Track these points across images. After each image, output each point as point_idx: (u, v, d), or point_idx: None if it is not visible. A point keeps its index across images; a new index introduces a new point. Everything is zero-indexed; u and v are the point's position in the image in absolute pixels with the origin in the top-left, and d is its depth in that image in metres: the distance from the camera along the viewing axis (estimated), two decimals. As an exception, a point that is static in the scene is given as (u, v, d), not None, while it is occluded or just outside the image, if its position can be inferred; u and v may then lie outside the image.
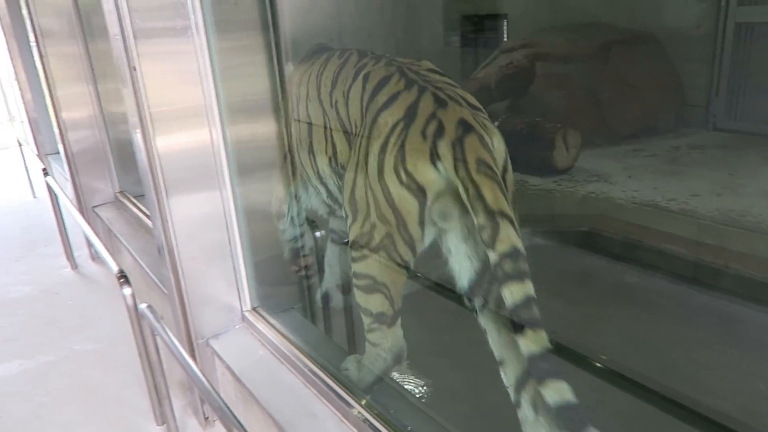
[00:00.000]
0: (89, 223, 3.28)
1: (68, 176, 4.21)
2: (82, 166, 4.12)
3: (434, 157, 1.50)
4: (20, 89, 6.70)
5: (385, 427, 1.68)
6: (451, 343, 2.51)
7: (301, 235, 2.37)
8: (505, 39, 5.09)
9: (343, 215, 1.80)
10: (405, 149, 1.55)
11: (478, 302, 1.63)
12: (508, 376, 1.61)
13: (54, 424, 2.56)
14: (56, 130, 4.09)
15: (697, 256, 2.93)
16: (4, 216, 5.65)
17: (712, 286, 2.76)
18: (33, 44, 3.93)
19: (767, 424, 1.95)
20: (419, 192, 1.54)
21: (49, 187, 4.06)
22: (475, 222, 1.42)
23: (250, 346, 2.27)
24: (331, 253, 2.54)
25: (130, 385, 2.73)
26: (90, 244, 4.25)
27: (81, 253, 4.37)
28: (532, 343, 1.35)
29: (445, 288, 1.80)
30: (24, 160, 6.11)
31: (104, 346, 3.15)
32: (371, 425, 1.70)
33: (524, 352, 1.37)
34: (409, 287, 2.10)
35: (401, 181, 1.56)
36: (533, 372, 1.40)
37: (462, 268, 1.61)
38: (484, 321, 1.64)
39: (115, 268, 2.33)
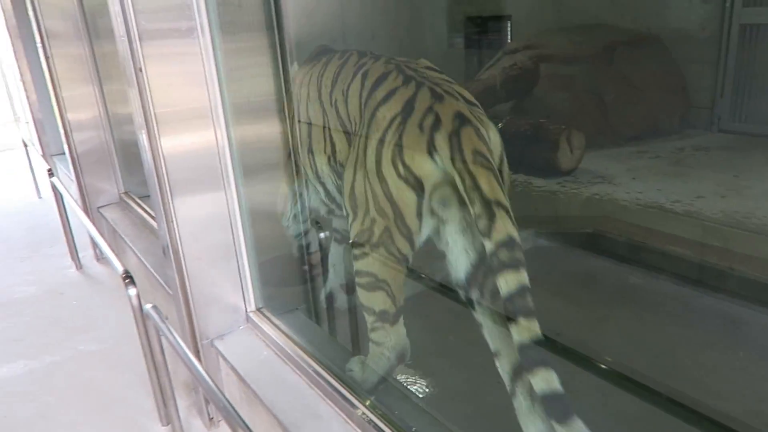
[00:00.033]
0: (94, 224, 3.29)
1: (73, 177, 4.22)
2: (87, 166, 4.14)
3: (431, 149, 1.52)
4: (26, 90, 6.74)
5: (389, 428, 1.68)
6: (456, 343, 2.51)
7: (305, 233, 2.38)
8: (509, 40, 5.09)
9: (344, 214, 1.82)
10: (402, 142, 1.58)
11: (474, 294, 1.65)
12: (503, 367, 1.63)
13: (59, 424, 2.57)
14: (61, 131, 4.11)
15: (701, 258, 2.92)
16: (10, 216, 5.67)
17: (716, 288, 2.75)
18: (39, 45, 3.95)
19: (773, 427, 1.94)
20: (416, 184, 1.57)
21: (54, 188, 4.08)
22: (472, 212, 1.44)
23: (255, 347, 2.27)
24: (335, 253, 2.55)
25: (135, 386, 2.74)
26: (95, 245, 4.26)
27: (86, 254, 4.38)
28: (524, 332, 1.37)
29: (449, 289, 1.81)
30: (29, 161, 6.14)
31: (109, 347, 3.16)
32: (376, 426, 1.70)
33: (515, 341, 1.39)
34: (414, 288, 2.10)
35: (399, 174, 1.58)
36: (523, 361, 1.42)
37: (459, 260, 1.63)
38: (480, 313, 1.66)
39: (120, 269, 2.33)
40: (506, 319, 1.42)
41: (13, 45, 6.50)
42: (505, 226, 1.40)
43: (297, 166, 2.25)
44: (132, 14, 1.86)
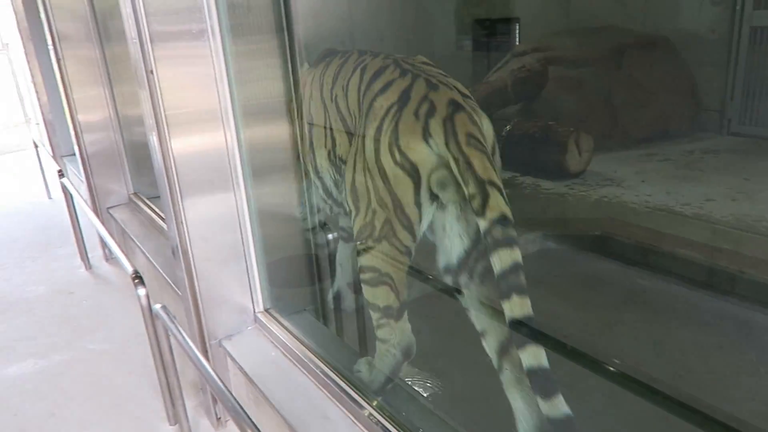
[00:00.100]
0: (104, 224, 3.31)
1: (83, 178, 4.26)
2: (97, 167, 4.17)
3: (426, 135, 1.56)
4: (37, 91, 6.81)
5: (397, 430, 1.68)
6: (463, 345, 2.51)
7: (312, 228, 2.40)
8: (518, 43, 5.08)
9: (347, 211, 1.85)
10: (398, 130, 1.61)
11: (463, 279, 1.68)
12: (490, 344, 1.66)
13: (68, 423, 2.58)
14: (72, 132, 4.14)
15: (711, 261, 2.91)
16: (20, 216, 5.72)
17: (726, 291, 2.73)
18: (50, 47, 3.99)
19: (783, 432, 1.92)
20: (413, 170, 1.60)
21: (64, 189, 4.12)
22: (466, 192, 1.47)
23: (263, 348, 2.28)
24: (342, 252, 2.56)
25: (143, 385, 2.76)
26: (104, 245, 4.29)
27: (95, 254, 4.41)
28: (516, 308, 1.40)
29: (456, 290, 1.81)
30: (40, 162, 6.19)
31: (118, 346, 3.18)
32: (383, 427, 1.70)
33: (507, 317, 1.41)
34: (422, 290, 2.10)
35: (395, 161, 1.61)
36: (514, 337, 1.44)
37: (453, 245, 1.67)
38: (467, 297, 1.69)
39: (129, 269, 2.35)
40: (499, 296, 1.44)
41: (24, 47, 6.57)
42: (498, 205, 1.43)
43: (303, 164, 2.27)
44: (143, 17, 1.87)
